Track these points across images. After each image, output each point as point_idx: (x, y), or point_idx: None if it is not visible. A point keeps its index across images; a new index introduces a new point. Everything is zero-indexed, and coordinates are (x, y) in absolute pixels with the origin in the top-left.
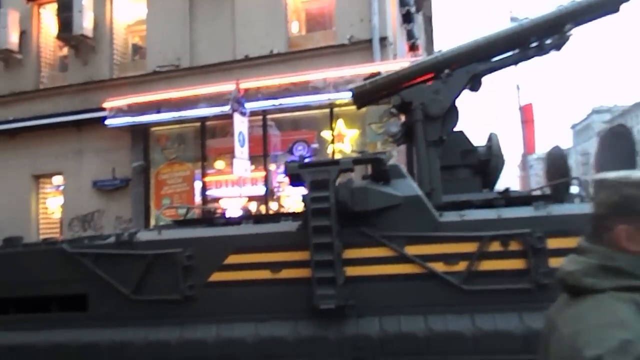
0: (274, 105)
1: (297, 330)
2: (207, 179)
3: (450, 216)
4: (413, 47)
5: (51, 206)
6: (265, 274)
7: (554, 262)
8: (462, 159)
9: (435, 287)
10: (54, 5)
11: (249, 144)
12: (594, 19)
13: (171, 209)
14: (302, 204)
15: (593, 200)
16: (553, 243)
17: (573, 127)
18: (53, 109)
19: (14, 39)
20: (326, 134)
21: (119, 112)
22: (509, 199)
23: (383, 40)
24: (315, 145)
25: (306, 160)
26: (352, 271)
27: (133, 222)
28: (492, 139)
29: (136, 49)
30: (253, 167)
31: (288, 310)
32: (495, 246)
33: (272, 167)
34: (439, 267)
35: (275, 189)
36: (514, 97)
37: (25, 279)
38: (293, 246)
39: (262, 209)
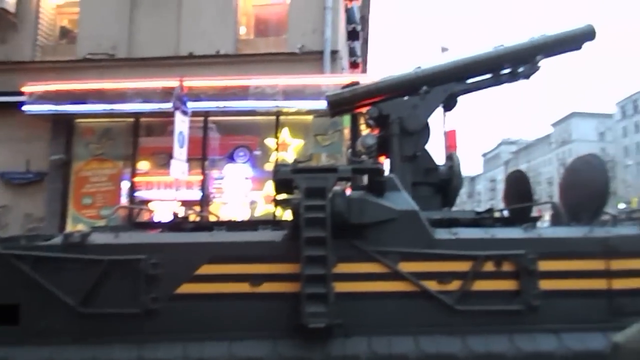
0: (217, 107)
1: (277, 350)
2: (136, 179)
3: (444, 234)
4: (354, 65)
5: None
6: (243, 287)
7: (544, 284)
8: (425, 177)
9: (428, 307)
10: None
11: (187, 145)
12: (560, 53)
13: (91, 209)
14: (292, 212)
15: None
16: (544, 265)
17: (484, 155)
18: None
19: None
20: (270, 142)
21: (40, 98)
22: (494, 219)
23: (334, 53)
24: (257, 152)
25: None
26: (341, 287)
27: (46, 221)
28: (453, 158)
29: (65, 32)
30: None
31: (268, 328)
32: (489, 266)
33: (210, 171)
34: (432, 285)
35: (212, 195)
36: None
37: None
38: (277, 258)
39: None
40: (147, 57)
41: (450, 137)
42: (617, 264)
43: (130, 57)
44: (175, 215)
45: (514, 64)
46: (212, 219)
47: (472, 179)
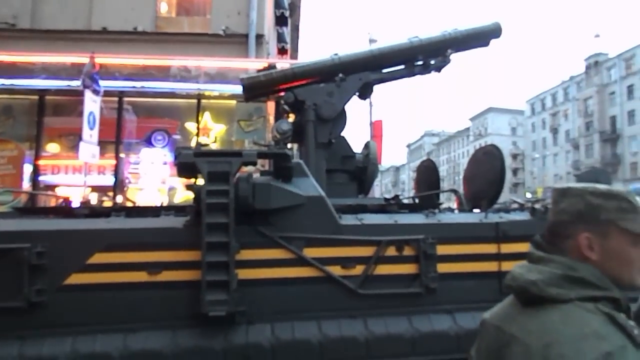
0: (134, 87)
1: (176, 341)
2: (41, 162)
3: (350, 219)
4: (282, 51)
5: None
6: (140, 276)
7: (442, 268)
8: (341, 164)
9: (331, 291)
10: None
11: (100, 127)
12: (470, 48)
13: None
14: (193, 197)
15: (553, 209)
16: (441, 249)
17: (408, 146)
18: None
19: None
20: (191, 126)
21: None
22: (400, 205)
23: (259, 37)
24: (177, 137)
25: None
26: (244, 274)
27: None
28: (369, 147)
29: None
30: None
31: (166, 318)
32: (391, 251)
33: (125, 155)
34: (336, 270)
35: (127, 180)
36: (366, 112)
37: None
38: (178, 245)
39: (107, 202)
40: (54, 30)
41: (376, 127)
42: (507, 247)
43: (34, 28)
44: (66, 200)
45: (426, 56)
46: (129, 205)
47: (397, 169)
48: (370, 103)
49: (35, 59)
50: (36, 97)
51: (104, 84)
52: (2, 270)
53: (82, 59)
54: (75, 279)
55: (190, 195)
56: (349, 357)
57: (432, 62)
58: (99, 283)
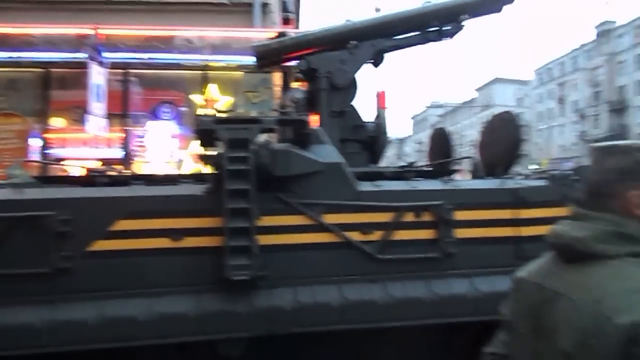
0: (140, 59)
1: (201, 305)
2: (48, 135)
3: (368, 186)
4: (286, 21)
5: None
6: (163, 243)
7: (459, 233)
8: (353, 134)
9: (351, 257)
10: None
11: (106, 100)
12: (483, 14)
13: None
14: (214, 165)
15: (598, 167)
16: (459, 215)
17: (413, 117)
18: None
19: None
20: (197, 98)
21: None
22: (417, 172)
23: (265, 5)
24: (183, 109)
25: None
26: (265, 240)
27: None
28: (380, 116)
29: None
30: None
31: (190, 283)
32: (410, 217)
33: (132, 128)
34: (355, 236)
35: (134, 154)
36: (370, 83)
37: None
38: (199, 212)
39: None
40: (56, 0)
41: (380, 98)
42: (525, 213)
43: None
44: (89, 170)
45: (440, 22)
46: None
47: (401, 141)
48: (377, 74)
49: (38, 30)
50: (41, 70)
51: (109, 56)
52: (29, 237)
53: (86, 30)
54: (99, 245)
55: (200, 167)
56: (369, 320)
57: (446, 28)
58: (122, 249)
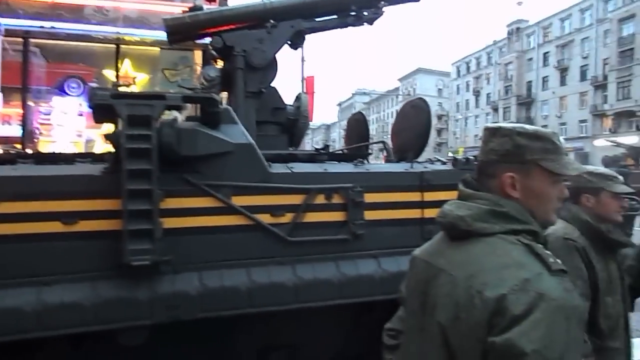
0: (42, 27)
1: (97, 292)
2: None
3: (279, 168)
4: None
5: None
6: (53, 227)
7: (368, 215)
8: (272, 116)
9: (260, 239)
10: None
11: (2, 71)
12: (401, 2)
13: None
14: (112, 143)
15: (483, 148)
16: (368, 197)
17: (339, 104)
18: None
19: None
20: (109, 74)
21: None
22: (331, 155)
23: None
24: (93, 84)
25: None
26: (170, 223)
27: None
28: (300, 99)
29: None
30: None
31: (84, 269)
32: (320, 199)
33: (33, 104)
34: (265, 218)
35: (37, 132)
36: (297, 68)
37: None
38: (95, 193)
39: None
40: None
41: (308, 84)
42: (429, 196)
43: None
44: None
45: (359, 6)
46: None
47: (328, 127)
48: (303, 58)
49: None
50: None
51: (5, 21)
52: None
53: None
54: None
55: (110, 148)
56: (278, 303)
57: (365, 13)
58: (6, 234)
